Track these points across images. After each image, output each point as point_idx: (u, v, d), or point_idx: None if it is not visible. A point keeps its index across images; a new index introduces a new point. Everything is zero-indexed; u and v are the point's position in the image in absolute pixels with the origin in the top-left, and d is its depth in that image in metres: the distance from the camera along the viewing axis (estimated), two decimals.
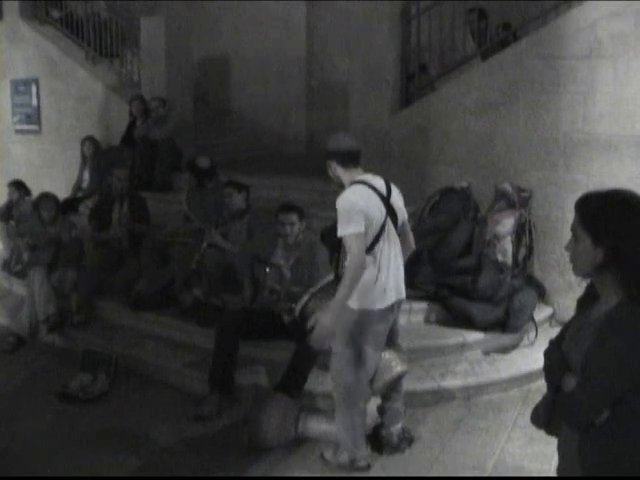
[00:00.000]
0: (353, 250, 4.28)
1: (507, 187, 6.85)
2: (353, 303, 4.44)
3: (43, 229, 7.86)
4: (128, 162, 9.28)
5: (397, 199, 4.61)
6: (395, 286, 4.57)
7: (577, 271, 2.45)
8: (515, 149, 7.05)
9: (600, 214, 2.34)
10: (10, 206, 9.22)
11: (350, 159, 4.52)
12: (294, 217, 5.78)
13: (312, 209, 6.74)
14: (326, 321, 4.32)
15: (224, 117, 11.22)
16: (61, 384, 6.04)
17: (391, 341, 4.79)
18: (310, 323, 4.54)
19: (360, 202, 4.33)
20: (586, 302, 2.54)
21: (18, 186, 9.38)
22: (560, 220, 6.77)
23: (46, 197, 8.09)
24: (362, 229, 4.28)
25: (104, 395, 5.99)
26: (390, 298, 4.52)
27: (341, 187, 4.58)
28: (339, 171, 4.53)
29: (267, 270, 5.76)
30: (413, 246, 4.88)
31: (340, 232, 4.32)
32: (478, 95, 7.29)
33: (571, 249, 2.43)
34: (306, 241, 5.86)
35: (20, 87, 11.99)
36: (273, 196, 7.64)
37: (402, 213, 4.66)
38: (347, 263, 4.37)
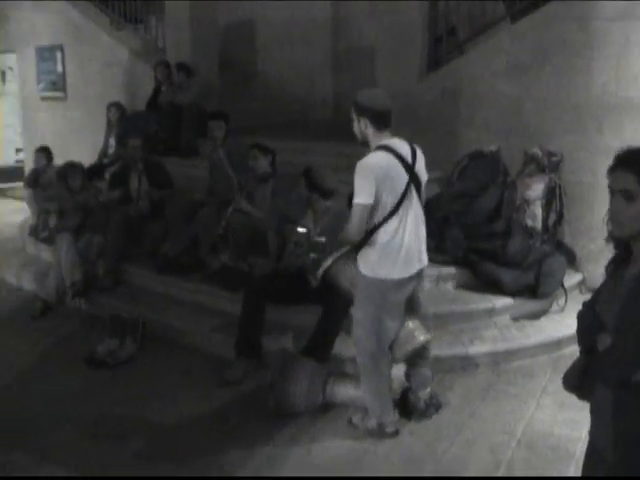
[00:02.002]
0: (354, 220, 4.27)
1: (537, 151, 6.74)
2: (370, 272, 4.41)
3: (70, 196, 7.86)
4: (154, 127, 9.27)
5: (421, 164, 4.49)
6: (416, 255, 4.49)
7: (623, 231, 2.36)
8: (545, 113, 6.92)
9: None
10: (37, 173, 9.22)
11: (383, 120, 4.38)
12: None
13: (339, 174, 6.65)
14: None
15: (249, 82, 11.13)
16: (88, 349, 6.06)
17: (413, 309, 4.72)
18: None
19: (377, 171, 4.24)
20: (617, 265, 2.48)
21: (45, 152, 9.39)
22: (591, 185, 6.64)
23: (72, 167, 8.09)
24: (370, 201, 4.22)
25: (131, 360, 6.00)
26: (408, 268, 4.44)
27: (363, 144, 4.48)
28: (370, 131, 4.37)
29: (298, 230, 5.65)
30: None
31: (354, 199, 4.28)
32: (508, 58, 7.17)
33: (620, 211, 2.33)
34: (335, 209, 5.78)
35: (45, 54, 11.99)
36: (299, 161, 7.57)
37: (424, 178, 4.55)
38: (344, 229, 4.38)
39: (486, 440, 4.64)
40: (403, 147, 4.41)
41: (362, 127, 4.40)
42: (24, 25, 12.26)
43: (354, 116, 4.43)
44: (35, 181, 9.07)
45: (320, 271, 4.88)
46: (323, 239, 5.20)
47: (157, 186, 7.69)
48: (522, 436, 4.68)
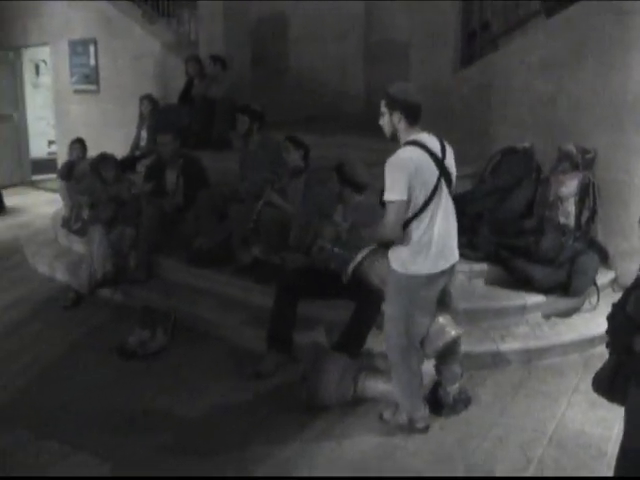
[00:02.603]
0: (390, 217, 4.23)
1: (571, 148, 6.68)
2: (400, 267, 4.39)
3: (103, 187, 7.91)
4: (186, 120, 9.30)
5: (450, 159, 4.45)
6: (447, 250, 4.46)
7: None
8: (581, 109, 6.85)
9: None
10: (71, 165, 9.28)
11: (415, 114, 4.34)
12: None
13: (372, 168, 6.62)
14: None
15: (282, 75, 11.13)
16: (119, 340, 6.09)
17: (445, 304, 4.70)
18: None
19: (409, 167, 4.19)
20: None
21: (80, 144, 9.44)
22: (626, 184, 6.58)
23: (105, 159, 8.13)
24: (405, 197, 4.18)
25: (162, 351, 6.03)
26: (439, 264, 4.41)
27: (391, 138, 4.45)
28: (401, 125, 4.34)
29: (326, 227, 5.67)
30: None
31: (385, 196, 4.25)
32: (542, 53, 7.10)
33: None
34: (366, 204, 5.76)
35: (78, 48, 12.12)
36: (332, 154, 7.56)
37: (454, 173, 4.51)
38: (380, 227, 4.36)
39: (517, 437, 4.61)
40: (432, 142, 4.37)
41: (394, 121, 4.35)
42: (58, 18, 12.38)
43: (385, 109, 4.38)
44: (69, 173, 9.12)
45: (350, 268, 4.87)
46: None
47: (192, 183, 7.70)
48: (553, 434, 4.65)
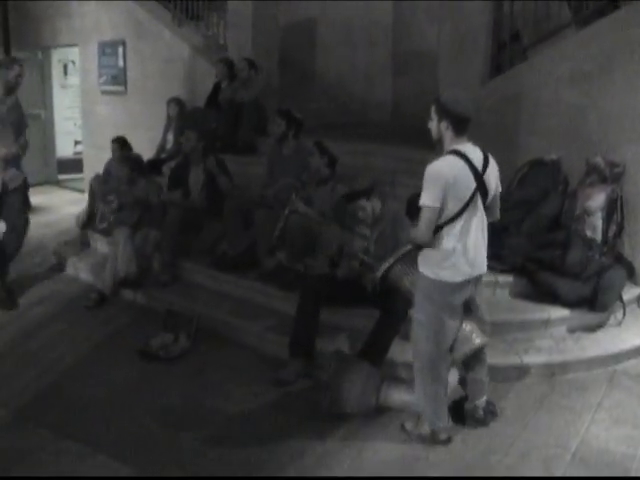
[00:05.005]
0: (421, 223, 4.32)
1: (599, 161, 6.62)
2: (430, 272, 4.42)
3: (129, 189, 7.93)
4: (213, 124, 9.30)
5: (492, 174, 4.45)
6: (477, 261, 4.48)
7: None
8: (609, 122, 6.79)
9: None
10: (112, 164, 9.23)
11: (463, 125, 4.38)
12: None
13: (398, 177, 6.62)
14: None
15: (309, 82, 11.13)
16: (142, 342, 6.11)
17: (471, 312, 4.70)
18: None
19: (446, 176, 4.25)
20: None
21: (119, 143, 9.21)
22: None
23: (123, 159, 8.13)
24: (437, 205, 4.25)
25: (184, 355, 6.03)
26: (465, 273, 4.44)
27: (436, 142, 4.50)
28: (448, 134, 4.38)
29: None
30: (497, 217, 4.75)
31: (420, 199, 4.31)
32: (572, 65, 7.05)
33: None
34: (390, 214, 5.73)
35: (107, 49, 12.15)
36: (357, 163, 7.55)
37: (495, 187, 4.52)
38: (413, 230, 4.45)
39: (540, 453, 4.56)
40: (475, 153, 4.40)
41: (442, 128, 4.40)
42: (87, 20, 12.43)
43: (434, 115, 4.43)
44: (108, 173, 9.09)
45: (379, 273, 4.86)
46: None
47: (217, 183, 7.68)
48: (576, 451, 4.59)
